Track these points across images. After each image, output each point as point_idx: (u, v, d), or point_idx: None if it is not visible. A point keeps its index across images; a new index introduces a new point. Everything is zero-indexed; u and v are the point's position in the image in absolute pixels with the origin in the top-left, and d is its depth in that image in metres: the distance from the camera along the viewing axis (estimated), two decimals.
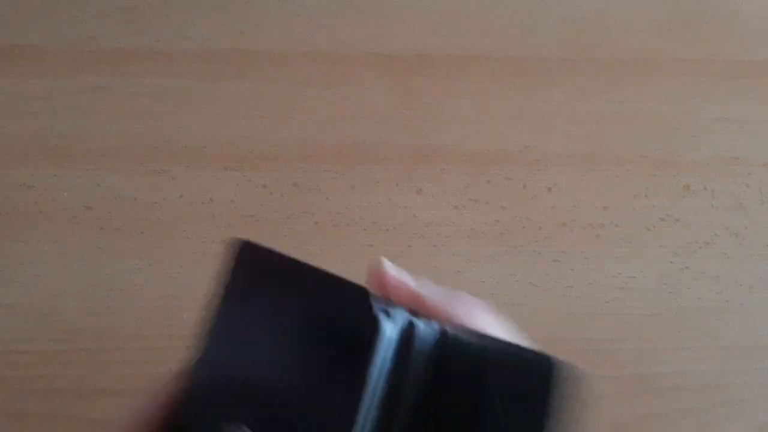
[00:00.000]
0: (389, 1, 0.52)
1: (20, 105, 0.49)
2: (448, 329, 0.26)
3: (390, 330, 0.25)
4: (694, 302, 0.48)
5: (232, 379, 0.25)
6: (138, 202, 0.47)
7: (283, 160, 0.48)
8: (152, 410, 0.26)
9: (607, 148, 0.50)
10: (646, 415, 0.46)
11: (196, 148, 0.48)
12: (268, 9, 0.51)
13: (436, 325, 0.26)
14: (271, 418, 0.25)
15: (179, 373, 0.26)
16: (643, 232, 0.48)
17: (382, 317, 0.25)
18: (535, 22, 0.52)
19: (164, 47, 0.50)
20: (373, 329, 0.25)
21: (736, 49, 0.52)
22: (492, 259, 0.47)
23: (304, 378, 0.25)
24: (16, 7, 0.50)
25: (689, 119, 0.50)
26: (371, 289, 0.26)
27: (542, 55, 0.51)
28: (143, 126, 0.49)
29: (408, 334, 0.26)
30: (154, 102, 0.49)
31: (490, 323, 0.29)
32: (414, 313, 0.27)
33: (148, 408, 0.26)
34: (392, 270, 0.30)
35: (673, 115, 0.50)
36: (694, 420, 0.46)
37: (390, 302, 0.26)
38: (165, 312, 0.46)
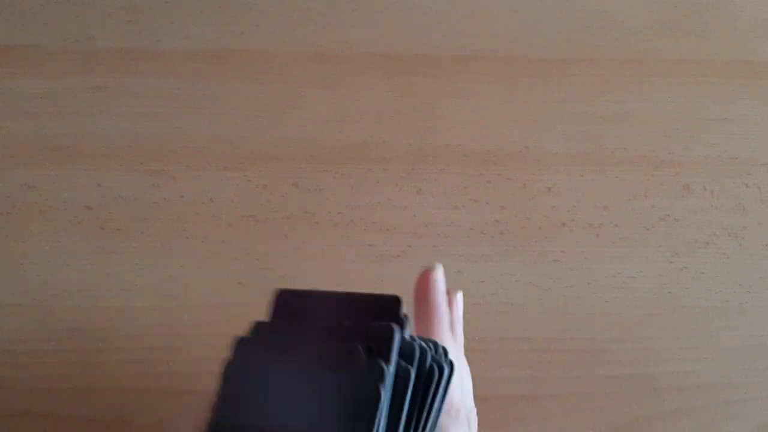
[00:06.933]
0: (389, 2, 0.52)
1: (20, 105, 0.49)
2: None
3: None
4: (693, 302, 0.48)
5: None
6: (138, 202, 0.47)
7: (283, 160, 0.48)
8: None
9: (607, 148, 0.50)
10: (646, 415, 0.46)
11: (196, 148, 0.48)
12: (268, 9, 0.51)
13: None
14: None
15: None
16: (643, 232, 0.49)
17: None
18: (534, 22, 0.52)
19: (164, 47, 0.50)
20: None
21: (736, 49, 0.52)
22: (492, 259, 0.47)
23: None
24: (16, 7, 0.50)
25: (689, 119, 0.50)
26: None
27: (542, 55, 0.51)
28: (143, 126, 0.49)
29: None
30: (154, 102, 0.49)
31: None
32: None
33: None
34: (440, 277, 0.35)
35: (672, 115, 0.51)
36: (694, 420, 0.46)
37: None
38: (165, 312, 0.46)
